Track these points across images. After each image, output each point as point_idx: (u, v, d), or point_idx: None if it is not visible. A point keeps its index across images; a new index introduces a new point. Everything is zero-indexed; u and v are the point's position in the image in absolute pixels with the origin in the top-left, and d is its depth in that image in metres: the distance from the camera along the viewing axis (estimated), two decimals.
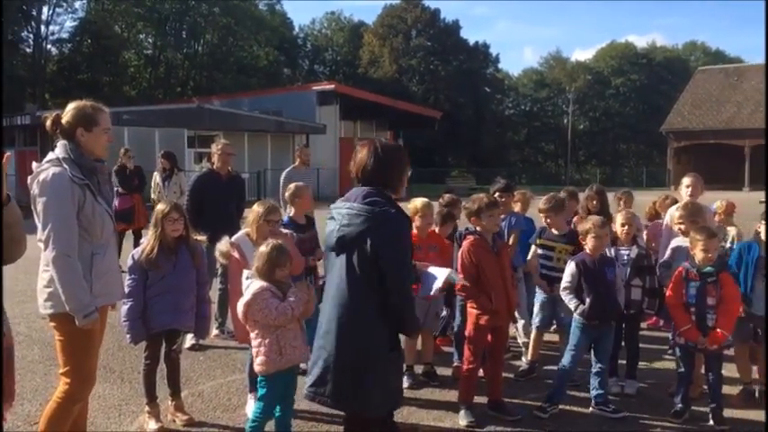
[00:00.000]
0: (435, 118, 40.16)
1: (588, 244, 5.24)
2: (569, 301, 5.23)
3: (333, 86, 36.14)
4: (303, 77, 60.84)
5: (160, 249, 4.76)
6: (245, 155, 28.46)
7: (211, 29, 55.05)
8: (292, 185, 6.44)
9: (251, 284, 4.27)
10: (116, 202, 10.60)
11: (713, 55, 65.70)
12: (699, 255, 4.99)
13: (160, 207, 4.89)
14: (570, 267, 5.27)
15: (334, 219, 3.53)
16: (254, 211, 5.23)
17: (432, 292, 4.75)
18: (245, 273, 4.49)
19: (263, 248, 4.31)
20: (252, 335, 4.30)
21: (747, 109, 35.62)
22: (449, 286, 5.07)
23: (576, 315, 5.20)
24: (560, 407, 5.24)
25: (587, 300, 5.13)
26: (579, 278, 5.19)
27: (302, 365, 4.55)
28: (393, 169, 3.59)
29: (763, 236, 5.31)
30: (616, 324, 5.73)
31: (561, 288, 5.31)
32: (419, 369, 5.98)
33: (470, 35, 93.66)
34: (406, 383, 5.53)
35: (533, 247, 6.17)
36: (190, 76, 57.63)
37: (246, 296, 4.21)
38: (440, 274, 4.69)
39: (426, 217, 5.86)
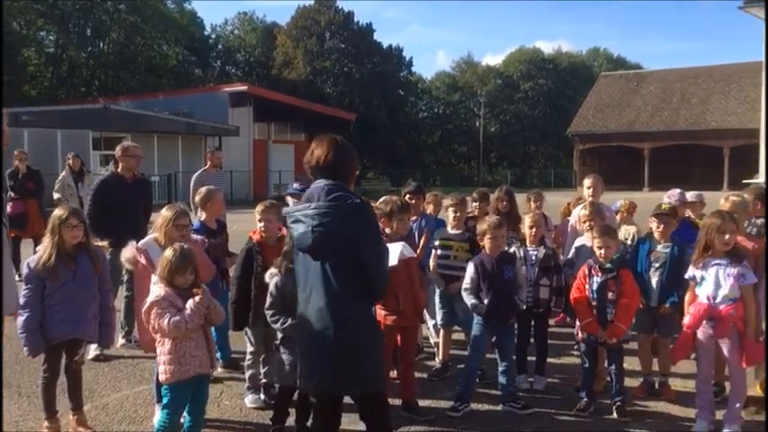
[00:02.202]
0: (350, 120, 40.25)
1: (486, 245, 5.37)
2: (469, 301, 5.35)
3: (246, 88, 35.64)
4: (215, 78, 59.56)
5: (58, 257, 4.54)
6: (154, 157, 27.64)
7: (117, 27, 53.15)
8: (203, 189, 6.29)
9: (153, 290, 4.14)
10: (8, 207, 10.04)
11: (615, 61, 68.68)
12: (599, 251, 5.21)
13: (57, 212, 4.66)
14: (470, 269, 5.40)
15: (302, 221, 3.63)
16: (163, 216, 5.07)
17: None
18: (153, 278, 4.34)
19: (166, 252, 4.19)
20: (156, 342, 4.17)
21: (646, 113, 37.43)
22: None
23: (474, 314, 5.33)
24: (472, 405, 5.33)
25: (485, 300, 5.25)
26: (478, 279, 5.31)
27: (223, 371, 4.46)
28: (351, 163, 3.84)
29: (656, 234, 5.59)
30: (525, 321, 5.90)
31: (462, 289, 5.44)
32: None
33: (384, 38, 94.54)
34: None
35: (434, 248, 6.24)
36: (95, 76, 55.46)
37: (146, 303, 4.08)
38: (393, 250, 4.73)
39: None
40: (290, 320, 4.50)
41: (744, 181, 22.37)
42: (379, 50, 60.79)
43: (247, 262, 5.27)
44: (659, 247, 5.54)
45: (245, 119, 33.80)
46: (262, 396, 5.39)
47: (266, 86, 45.65)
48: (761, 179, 23.96)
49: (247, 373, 5.47)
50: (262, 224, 5.39)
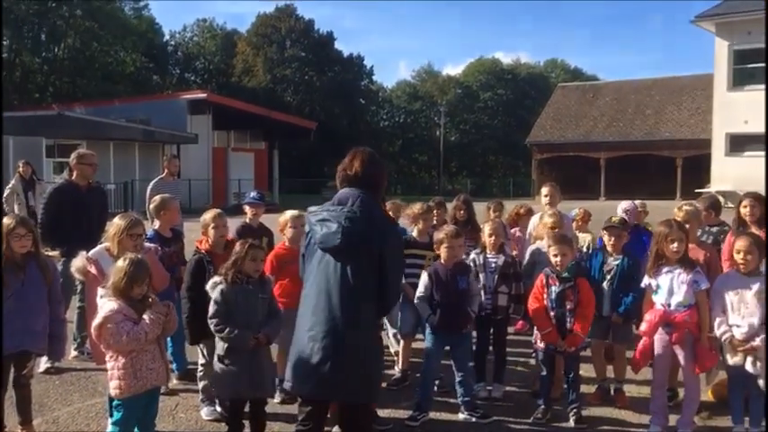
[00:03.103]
0: (311, 128, 40.06)
1: (442, 254, 5.39)
2: (422, 310, 5.35)
3: (205, 95, 35.21)
4: (173, 85, 58.85)
5: (6, 267, 4.40)
6: (110, 165, 27.11)
7: (73, 32, 52.16)
8: (157, 197, 6.19)
9: (104, 305, 4.02)
10: None
11: (572, 72, 69.90)
12: (555, 260, 5.26)
13: (5, 222, 4.53)
14: (423, 278, 5.41)
15: (331, 221, 3.67)
16: (116, 225, 4.98)
17: None
18: (100, 291, 4.22)
19: (120, 263, 4.10)
20: (107, 356, 4.06)
21: (602, 123, 38.10)
22: None
23: (427, 324, 5.34)
24: (431, 414, 5.33)
25: (438, 309, 5.26)
26: (432, 288, 5.32)
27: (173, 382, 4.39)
28: (383, 178, 3.95)
29: (608, 246, 5.67)
30: (484, 329, 5.93)
31: (416, 298, 5.44)
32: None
33: (345, 47, 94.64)
34: (278, 399, 5.44)
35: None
36: (49, 82, 54.30)
37: (98, 318, 3.97)
38: None
39: (297, 228, 5.79)
40: (236, 331, 4.45)
41: (696, 190, 22.92)
42: (339, 59, 60.87)
43: (198, 272, 5.14)
44: (610, 260, 5.63)
45: (204, 126, 33.39)
46: (218, 408, 5.29)
47: (226, 94, 45.22)
48: (712, 189, 24.61)
49: (200, 385, 5.37)
50: (213, 231, 5.31)
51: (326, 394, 3.76)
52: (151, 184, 9.42)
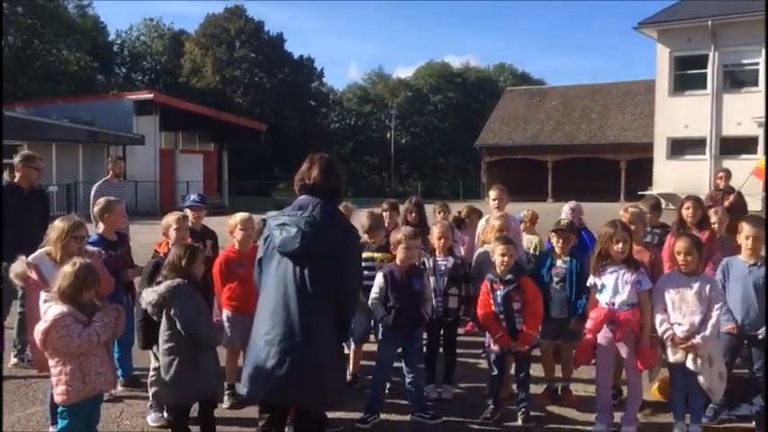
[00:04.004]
0: (261, 130, 39.68)
1: (398, 255, 5.41)
2: (376, 311, 5.37)
3: (152, 95, 34.50)
4: (119, 86, 57.52)
5: None
6: (53, 166, 26.32)
7: (14, 30, 50.54)
8: (101, 200, 6.06)
9: (49, 309, 3.91)
10: None
11: (520, 76, 70.85)
12: (498, 261, 5.33)
13: None
14: (378, 278, 5.42)
15: (290, 225, 3.67)
16: (58, 228, 4.85)
17: None
18: (43, 295, 4.11)
19: (69, 268, 4.00)
20: (51, 362, 3.95)
21: (549, 127, 38.78)
22: None
23: (381, 325, 5.36)
24: (382, 416, 5.33)
25: (392, 310, 5.28)
26: (387, 289, 5.33)
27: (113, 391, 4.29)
28: (342, 184, 4.00)
29: (556, 248, 5.78)
30: (434, 331, 5.97)
31: (370, 299, 5.45)
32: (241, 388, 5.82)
33: (295, 49, 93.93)
34: (227, 404, 5.38)
35: None
36: None
37: (44, 323, 3.86)
38: None
39: (247, 231, 5.74)
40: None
41: (639, 192, 23.52)
42: (290, 61, 60.47)
43: (155, 276, 5.05)
44: (559, 262, 5.73)
45: (150, 127, 32.73)
46: (165, 414, 5.19)
47: (174, 95, 44.41)
48: (654, 191, 25.30)
49: (151, 391, 5.27)
50: (175, 233, 5.24)
51: (282, 398, 3.73)
52: (95, 186, 9.22)
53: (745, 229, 5.26)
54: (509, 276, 5.32)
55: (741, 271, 5.23)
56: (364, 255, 6.10)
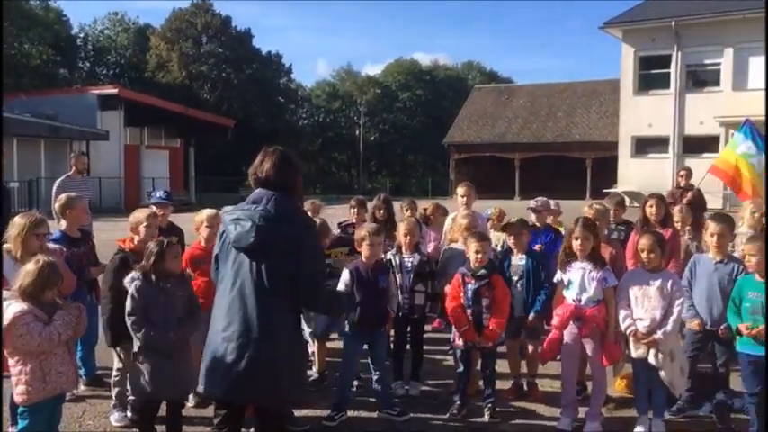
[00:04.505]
0: (228, 126, 39.34)
1: (363, 251, 5.40)
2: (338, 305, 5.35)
3: (116, 90, 33.93)
4: (83, 80, 56.50)
5: None
6: (14, 162, 25.76)
7: None
8: (63, 196, 5.94)
9: (8, 307, 3.83)
10: None
11: (488, 75, 71.30)
12: (477, 256, 5.35)
13: None
14: (344, 275, 5.41)
15: (244, 220, 3.58)
16: (18, 224, 4.74)
17: None
18: (4, 293, 4.02)
19: (32, 266, 3.93)
20: (11, 362, 3.87)
21: (517, 125, 39.11)
22: None
23: (346, 322, 5.35)
24: (349, 413, 5.33)
25: (358, 307, 5.27)
26: (353, 285, 5.32)
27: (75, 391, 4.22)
28: (298, 178, 3.87)
29: (511, 246, 5.82)
30: (401, 328, 5.98)
31: None
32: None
33: (263, 44, 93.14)
34: (191, 402, 5.33)
35: None
36: None
37: (4, 321, 3.77)
38: None
39: (213, 227, 5.67)
40: (152, 332, 4.37)
41: (604, 190, 23.85)
42: (258, 56, 59.99)
43: (122, 271, 4.98)
44: (514, 260, 5.78)
45: (115, 123, 32.23)
46: (128, 414, 5.13)
47: (139, 90, 43.81)
48: (619, 189, 25.69)
49: (114, 391, 5.19)
50: (145, 230, 5.17)
51: (240, 396, 3.68)
52: (57, 182, 9.06)
53: (711, 226, 5.35)
54: (482, 272, 5.35)
55: (707, 268, 5.32)
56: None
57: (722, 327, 5.12)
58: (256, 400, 3.73)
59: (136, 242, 5.23)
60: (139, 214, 5.34)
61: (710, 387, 5.34)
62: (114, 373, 5.19)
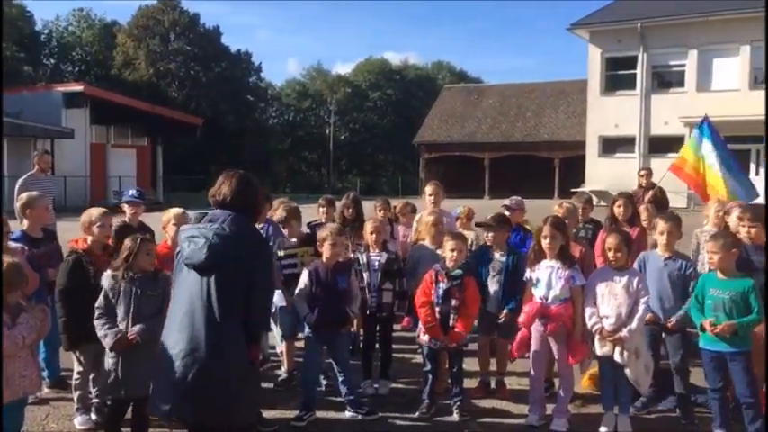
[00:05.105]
0: (197, 125, 38.94)
1: (324, 251, 5.38)
2: (300, 309, 5.33)
3: (81, 88, 33.39)
4: (47, 77, 55.49)
5: None
6: None
7: None
8: (24, 195, 5.83)
9: None
10: None
11: (457, 75, 71.63)
12: (452, 255, 5.36)
13: None
14: (304, 276, 5.38)
15: (198, 237, 3.58)
16: None
17: None
18: None
19: None
20: None
21: (486, 125, 39.35)
22: None
23: (305, 323, 5.32)
24: (318, 413, 5.30)
25: (316, 308, 5.25)
26: (311, 286, 5.30)
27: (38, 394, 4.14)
28: (258, 203, 3.99)
29: (488, 242, 5.86)
30: (370, 327, 5.97)
31: (295, 295, 5.40)
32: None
33: (232, 43, 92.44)
34: None
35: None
36: None
37: None
38: None
39: (180, 226, 5.60)
40: (106, 331, 4.37)
41: (572, 190, 24.11)
42: (227, 55, 59.51)
43: (76, 273, 4.90)
44: (496, 256, 5.81)
45: (80, 121, 31.70)
46: (93, 416, 5.04)
47: (105, 87, 43.14)
48: (587, 188, 26.00)
49: (76, 394, 5.10)
50: (98, 230, 5.08)
51: (189, 417, 3.62)
52: (20, 180, 8.89)
53: (660, 224, 5.51)
54: (457, 272, 5.35)
55: (657, 264, 5.43)
56: (287, 251, 6.04)
57: (671, 320, 5.25)
58: (202, 418, 3.65)
59: (90, 242, 5.12)
60: (92, 213, 5.21)
61: (673, 382, 5.42)
62: (75, 375, 5.10)
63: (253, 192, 3.87)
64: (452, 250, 5.37)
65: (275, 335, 6.52)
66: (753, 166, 26.72)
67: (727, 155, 8.81)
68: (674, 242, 5.49)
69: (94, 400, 5.05)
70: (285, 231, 6.21)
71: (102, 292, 4.49)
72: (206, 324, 3.53)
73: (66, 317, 4.87)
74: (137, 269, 4.52)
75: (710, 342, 4.87)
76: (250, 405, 3.85)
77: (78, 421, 5.06)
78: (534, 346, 5.24)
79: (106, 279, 4.52)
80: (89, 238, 5.13)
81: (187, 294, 3.62)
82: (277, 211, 6.87)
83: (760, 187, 10.08)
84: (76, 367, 5.07)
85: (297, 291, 5.37)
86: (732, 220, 5.89)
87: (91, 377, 5.04)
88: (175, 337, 3.58)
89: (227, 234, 3.59)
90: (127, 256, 4.51)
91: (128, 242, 4.58)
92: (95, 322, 4.45)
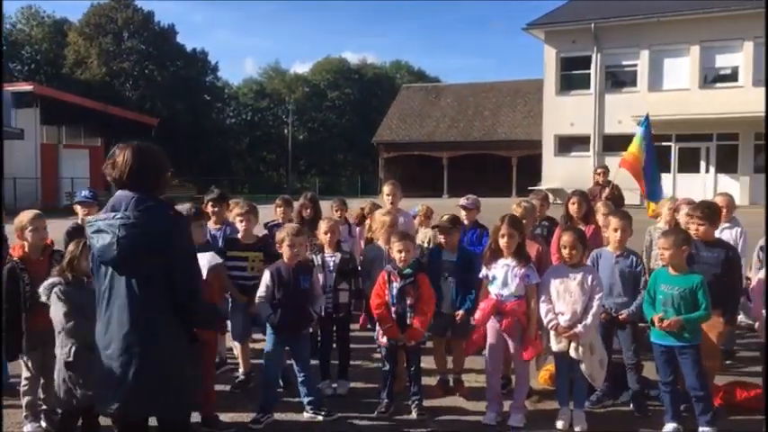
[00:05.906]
0: (152, 125, 38.38)
1: (284, 252, 5.34)
2: (263, 310, 5.28)
3: (31, 87, 32.62)
4: None
5: None
6: None
7: None
8: None
9: None
10: None
11: (416, 74, 71.91)
12: (400, 255, 5.37)
13: None
14: (265, 276, 5.34)
15: (105, 231, 3.26)
16: None
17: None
18: None
19: None
20: None
21: (444, 124, 39.57)
22: None
23: (268, 324, 5.28)
24: (276, 415, 5.26)
25: (279, 309, 5.21)
26: (274, 287, 5.26)
27: None
28: (159, 172, 3.49)
29: (442, 243, 5.89)
30: (327, 327, 5.95)
31: (257, 297, 5.35)
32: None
33: (188, 41, 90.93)
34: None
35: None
36: None
37: None
38: (202, 260, 4.47)
39: None
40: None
41: (529, 188, 24.40)
42: (182, 53, 58.69)
43: (11, 283, 4.77)
44: (445, 256, 5.83)
45: (30, 121, 30.96)
46: (43, 424, 4.91)
47: (56, 86, 42.17)
48: (543, 186, 26.35)
49: (24, 400, 4.96)
50: (31, 234, 4.92)
51: (132, 411, 3.46)
52: None
53: (613, 222, 5.64)
54: (408, 271, 5.36)
55: (609, 261, 5.55)
56: (234, 253, 5.96)
57: (622, 313, 5.38)
58: (149, 413, 3.55)
59: (27, 249, 4.96)
60: (22, 217, 5.01)
61: (626, 377, 5.52)
62: (23, 382, 4.97)
63: (151, 162, 3.46)
64: (400, 251, 5.39)
65: (232, 336, 6.44)
66: (703, 164, 27.47)
67: (652, 155, 9.63)
68: (626, 239, 5.61)
69: (43, 407, 4.92)
70: (242, 225, 6.09)
71: (59, 304, 4.34)
72: (133, 320, 3.32)
73: (7, 325, 4.74)
74: (81, 273, 4.40)
75: (660, 336, 4.98)
76: (191, 396, 3.67)
77: (28, 429, 4.92)
78: (490, 342, 5.29)
79: (50, 290, 4.36)
80: (25, 245, 4.96)
81: (110, 292, 3.39)
82: (234, 210, 6.79)
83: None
84: (24, 373, 4.94)
85: (259, 292, 5.30)
86: (682, 217, 6.02)
87: (42, 384, 4.90)
88: (107, 339, 3.40)
89: (134, 223, 3.26)
90: (71, 260, 4.39)
91: (71, 247, 4.46)
92: (64, 334, 4.31)
